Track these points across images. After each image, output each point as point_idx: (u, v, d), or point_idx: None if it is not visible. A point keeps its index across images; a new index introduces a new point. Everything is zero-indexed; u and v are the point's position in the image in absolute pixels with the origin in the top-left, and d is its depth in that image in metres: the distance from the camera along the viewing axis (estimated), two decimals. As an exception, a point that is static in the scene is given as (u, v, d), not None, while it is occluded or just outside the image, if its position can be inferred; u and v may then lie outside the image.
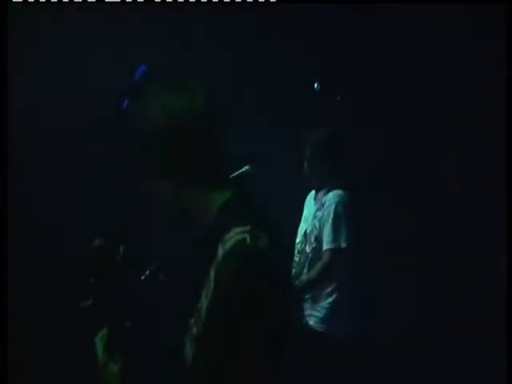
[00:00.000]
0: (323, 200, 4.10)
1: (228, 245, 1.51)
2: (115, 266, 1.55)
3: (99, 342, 1.59)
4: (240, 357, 1.46)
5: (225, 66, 4.61)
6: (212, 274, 1.52)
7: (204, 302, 1.55)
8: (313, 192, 4.26)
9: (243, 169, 1.70)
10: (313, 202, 4.22)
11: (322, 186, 4.15)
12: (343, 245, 3.98)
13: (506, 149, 3.57)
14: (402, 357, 4.60)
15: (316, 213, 4.11)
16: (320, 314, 3.98)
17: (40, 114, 4.39)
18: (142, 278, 1.67)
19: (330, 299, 3.99)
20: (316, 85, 4.73)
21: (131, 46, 4.53)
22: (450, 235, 4.74)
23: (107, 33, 4.48)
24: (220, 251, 1.52)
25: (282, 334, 1.55)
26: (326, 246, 4.00)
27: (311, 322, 3.99)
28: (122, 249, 1.56)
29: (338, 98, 4.87)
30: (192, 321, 1.60)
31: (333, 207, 4.02)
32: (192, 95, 1.61)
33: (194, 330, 1.58)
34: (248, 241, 1.49)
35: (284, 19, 4.71)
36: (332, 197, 4.07)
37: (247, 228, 1.52)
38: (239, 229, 1.52)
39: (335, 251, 3.97)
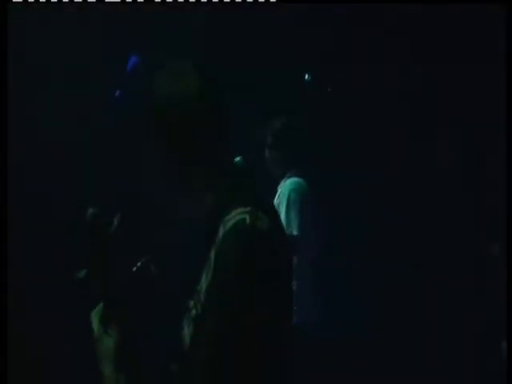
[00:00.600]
0: (281, 188, 4.07)
1: (228, 225, 1.52)
2: (108, 236, 1.54)
3: (95, 316, 1.58)
4: (237, 338, 1.45)
5: (224, 65, 4.61)
6: (212, 254, 1.53)
7: (204, 284, 1.55)
8: None
9: (234, 160, 1.71)
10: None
11: (283, 174, 4.11)
12: (294, 232, 3.93)
13: (506, 149, 3.57)
14: (367, 347, 4.60)
15: (275, 201, 4.06)
16: None
17: (40, 114, 4.39)
18: (134, 269, 1.65)
19: None
20: (307, 76, 4.72)
21: (131, 45, 4.54)
22: (437, 225, 4.75)
23: (107, 33, 4.48)
24: (221, 232, 1.53)
25: (281, 315, 1.54)
26: None
27: None
28: (116, 221, 1.55)
29: (329, 89, 4.87)
30: (191, 303, 1.60)
31: (286, 194, 3.97)
32: (195, 80, 1.62)
33: (193, 311, 1.58)
34: (248, 220, 1.51)
35: (284, 19, 4.71)
36: (288, 184, 4.04)
37: (247, 209, 1.53)
38: (240, 210, 1.53)
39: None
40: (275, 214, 1.68)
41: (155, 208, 4.05)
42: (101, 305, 1.58)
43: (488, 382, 4.28)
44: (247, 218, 1.51)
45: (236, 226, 1.50)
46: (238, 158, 1.70)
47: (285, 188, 4.02)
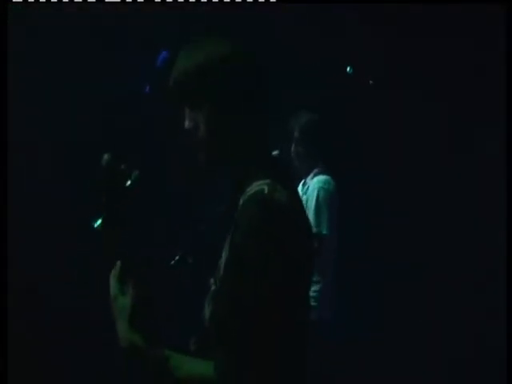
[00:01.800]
0: (308, 185, 4.04)
1: (247, 195, 1.52)
2: (124, 183, 1.51)
3: (113, 276, 1.57)
4: (255, 305, 1.41)
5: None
6: (232, 227, 1.52)
7: (223, 257, 1.54)
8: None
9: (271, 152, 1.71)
10: (300, 187, 4.11)
11: (309, 171, 4.08)
12: (325, 231, 3.90)
13: (506, 149, 3.57)
14: (367, 347, 4.60)
15: (302, 197, 3.99)
16: None
17: (40, 114, 4.39)
18: (172, 263, 1.64)
19: (316, 287, 3.83)
20: (348, 68, 4.71)
21: (131, 45, 4.54)
22: (437, 225, 4.75)
23: (107, 33, 4.48)
24: (240, 203, 1.53)
25: (297, 287, 1.51)
26: None
27: None
28: (135, 173, 1.52)
29: (371, 81, 4.85)
30: (212, 280, 1.59)
31: (315, 192, 3.94)
32: (234, 45, 1.77)
33: (213, 287, 1.57)
34: (266, 191, 1.50)
35: (284, 19, 4.71)
36: (316, 182, 3.99)
37: (267, 181, 1.53)
38: (260, 182, 1.53)
39: (317, 237, 3.83)
40: (295, 191, 1.66)
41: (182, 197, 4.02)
42: (118, 263, 1.57)
43: (488, 382, 4.28)
44: (265, 188, 1.50)
45: (254, 196, 1.50)
46: (275, 152, 1.71)
47: (313, 185, 3.99)
